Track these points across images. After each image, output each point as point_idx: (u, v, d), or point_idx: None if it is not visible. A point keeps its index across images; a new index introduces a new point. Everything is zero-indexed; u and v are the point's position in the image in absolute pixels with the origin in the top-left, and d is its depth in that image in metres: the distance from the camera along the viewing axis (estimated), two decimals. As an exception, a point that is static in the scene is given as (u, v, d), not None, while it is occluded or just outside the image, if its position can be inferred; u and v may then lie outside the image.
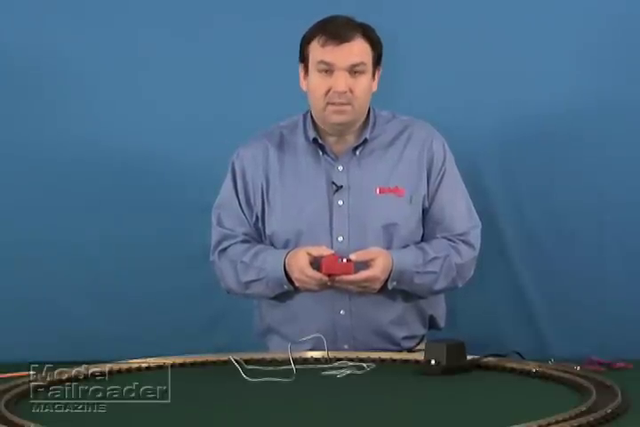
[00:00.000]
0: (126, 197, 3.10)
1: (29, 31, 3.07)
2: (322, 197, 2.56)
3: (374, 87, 2.55)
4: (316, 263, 2.44)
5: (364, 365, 2.24)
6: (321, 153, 2.58)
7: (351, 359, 2.30)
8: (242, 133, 2.74)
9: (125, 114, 3.09)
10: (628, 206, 3.04)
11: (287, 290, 2.54)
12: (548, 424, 1.69)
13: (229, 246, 2.60)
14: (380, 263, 2.44)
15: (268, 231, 2.59)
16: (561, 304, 3.08)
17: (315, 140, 2.58)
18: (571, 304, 3.07)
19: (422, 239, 2.58)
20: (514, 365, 2.20)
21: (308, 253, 2.45)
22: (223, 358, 2.31)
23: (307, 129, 2.60)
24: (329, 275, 2.42)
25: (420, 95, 3.02)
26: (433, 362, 2.16)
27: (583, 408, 1.79)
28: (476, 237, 2.60)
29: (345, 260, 2.42)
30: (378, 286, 2.47)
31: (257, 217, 2.61)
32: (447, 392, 2.02)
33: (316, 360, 2.32)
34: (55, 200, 3.07)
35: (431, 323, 2.66)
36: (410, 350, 2.56)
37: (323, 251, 2.45)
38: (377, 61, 2.53)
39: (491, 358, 2.23)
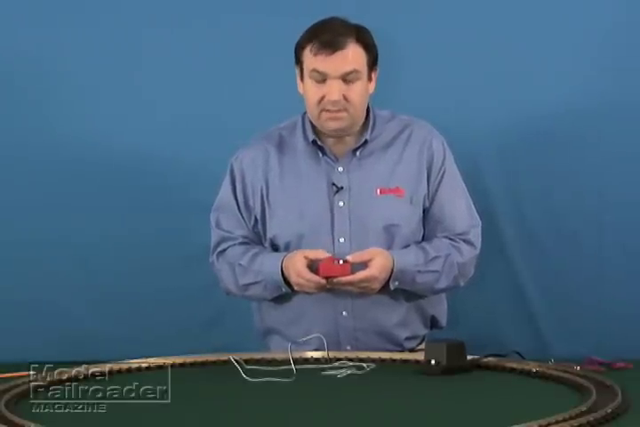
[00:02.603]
0: (126, 197, 3.10)
1: (28, 31, 3.07)
2: (322, 198, 2.55)
3: (371, 89, 2.55)
4: (313, 266, 2.44)
5: (364, 365, 2.24)
6: (321, 154, 2.58)
7: (351, 359, 2.30)
8: (241, 134, 2.74)
9: (124, 114, 3.09)
10: (627, 206, 3.05)
11: (285, 292, 2.54)
12: (548, 424, 1.69)
13: (228, 248, 2.60)
14: (377, 263, 2.44)
15: (268, 234, 2.59)
16: (561, 304, 3.08)
17: (314, 141, 2.58)
18: (571, 304, 3.07)
19: (423, 239, 2.58)
20: (514, 365, 2.20)
21: (305, 257, 2.45)
22: (223, 358, 2.31)
23: (306, 130, 2.59)
24: (326, 277, 2.43)
25: (419, 95, 3.02)
26: (433, 362, 2.16)
27: (583, 408, 1.78)
28: (476, 235, 2.60)
29: (342, 261, 2.42)
30: (377, 285, 2.47)
31: (256, 219, 2.61)
32: (447, 392, 2.02)
33: (317, 360, 2.32)
34: (55, 200, 3.08)
35: (432, 323, 2.66)
36: (411, 351, 2.56)
37: (320, 254, 2.44)
38: (373, 64, 2.52)
39: (491, 358, 2.23)
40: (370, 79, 2.52)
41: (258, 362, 2.29)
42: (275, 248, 2.58)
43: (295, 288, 2.49)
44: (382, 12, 2.98)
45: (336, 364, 2.27)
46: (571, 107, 3.05)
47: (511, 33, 3.04)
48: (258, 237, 2.62)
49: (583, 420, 1.72)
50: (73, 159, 3.09)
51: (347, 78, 2.46)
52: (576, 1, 3.04)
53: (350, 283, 2.43)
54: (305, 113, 2.59)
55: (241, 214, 2.61)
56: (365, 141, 2.57)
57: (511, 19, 3.05)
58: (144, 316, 3.08)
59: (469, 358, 2.21)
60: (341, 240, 2.53)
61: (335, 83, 2.46)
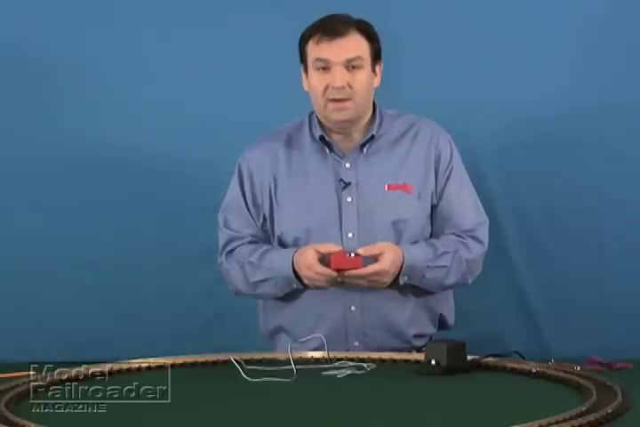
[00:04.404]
0: (127, 197, 3.10)
1: (31, 31, 3.07)
2: (330, 194, 2.56)
3: (377, 82, 2.56)
4: (324, 260, 2.44)
5: (364, 365, 2.24)
6: (328, 151, 2.58)
7: (351, 359, 2.30)
8: (244, 133, 2.74)
9: (127, 114, 3.10)
10: (627, 206, 3.05)
11: (296, 289, 2.54)
12: (548, 424, 1.69)
13: (236, 248, 2.60)
14: (388, 257, 2.44)
15: (277, 231, 2.59)
16: (561, 304, 3.08)
17: (321, 138, 2.58)
18: (571, 304, 3.07)
19: (431, 236, 2.59)
20: (514, 365, 2.20)
21: (316, 251, 2.45)
22: (223, 358, 2.31)
23: (312, 128, 2.60)
24: (338, 270, 2.43)
25: (418, 95, 3.02)
26: (433, 362, 2.16)
27: (583, 408, 1.78)
28: (484, 232, 2.61)
29: (353, 254, 2.43)
30: (387, 279, 2.47)
31: (264, 218, 2.61)
32: (447, 392, 2.02)
33: (317, 360, 2.32)
34: (55, 200, 3.08)
35: (441, 321, 2.65)
36: (419, 350, 2.55)
37: (330, 248, 2.45)
38: (376, 56, 2.53)
39: (491, 358, 2.23)
40: (374, 72, 2.53)
41: (258, 362, 2.29)
42: (283, 245, 2.59)
43: (306, 282, 2.49)
44: (383, 11, 2.97)
45: (336, 364, 2.27)
46: (570, 107, 3.05)
47: (512, 33, 3.05)
48: (266, 236, 2.63)
49: (583, 420, 1.71)
50: (75, 159, 3.09)
51: (350, 66, 2.47)
52: (577, 1, 3.05)
53: (361, 276, 2.43)
54: (312, 112, 2.60)
55: (250, 213, 2.61)
56: (372, 137, 2.57)
57: (511, 19, 3.05)
58: (144, 316, 3.08)
59: (469, 358, 2.21)
60: (350, 235, 2.53)
61: (338, 70, 2.47)
